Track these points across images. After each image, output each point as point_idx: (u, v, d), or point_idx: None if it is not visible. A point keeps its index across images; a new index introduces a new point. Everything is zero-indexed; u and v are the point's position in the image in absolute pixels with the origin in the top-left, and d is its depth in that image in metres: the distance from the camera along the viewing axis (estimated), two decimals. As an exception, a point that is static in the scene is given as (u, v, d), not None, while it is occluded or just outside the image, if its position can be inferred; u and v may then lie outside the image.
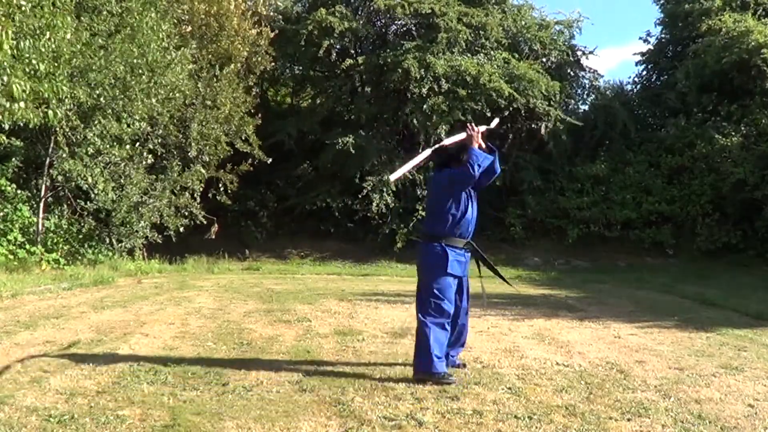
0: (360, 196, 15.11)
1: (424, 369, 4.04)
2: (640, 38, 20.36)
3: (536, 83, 16.02)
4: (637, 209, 15.72)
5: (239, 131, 13.83)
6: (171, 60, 11.47)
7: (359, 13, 17.16)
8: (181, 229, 12.50)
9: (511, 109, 15.77)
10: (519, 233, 16.08)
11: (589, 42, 51.62)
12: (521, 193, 16.50)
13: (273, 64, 15.61)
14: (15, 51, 6.46)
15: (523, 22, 18.11)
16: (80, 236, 11.48)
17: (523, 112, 16.16)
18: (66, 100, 9.10)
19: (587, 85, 19.72)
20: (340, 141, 14.94)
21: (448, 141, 4.53)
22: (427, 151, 4.57)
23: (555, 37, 18.25)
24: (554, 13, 26.31)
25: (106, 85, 10.34)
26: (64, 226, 11.36)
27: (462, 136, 4.40)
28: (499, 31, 16.73)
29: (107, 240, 11.73)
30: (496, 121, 5.08)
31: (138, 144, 12.01)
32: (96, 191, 11.06)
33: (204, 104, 13.15)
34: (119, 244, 11.76)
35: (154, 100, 11.29)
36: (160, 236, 12.18)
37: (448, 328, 4.17)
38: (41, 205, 10.98)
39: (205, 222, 13.23)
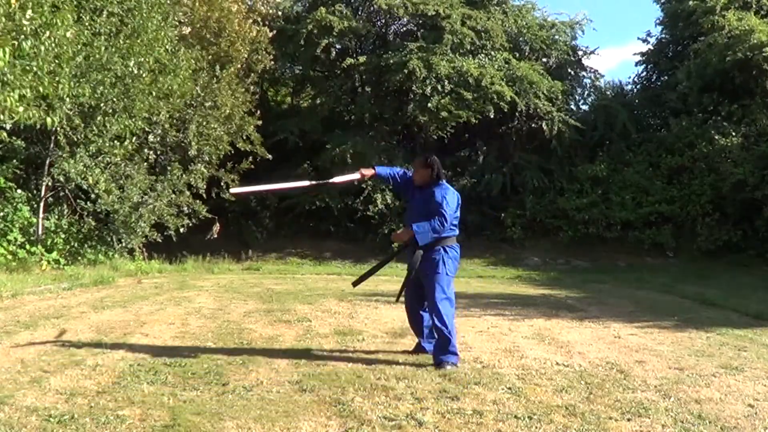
0: (362, 197, 15.12)
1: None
2: (640, 38, 20.37)
3: (537, 84, 16.03)
4: (637, 209, 15.72)
5: (240, 130, 13.84)
6: (173, 62, 11.48)
7: (359, 12, 17.16)
8: (182, 229, 12.51)
9: (512, 109, 15.79)
10: (518, 233, 16.09)
11: (590, 42, 51.74)
12: (521, 193, 16.51)
13: (273, 63, 15.62)
14: (16, 52, 6.46)
15: (524, 22, 18.11)
16: (80, 236, 11.49)
17: (523, 112, 16.17)
18: (67, 99, 9.11)
19: (588, 85, 19.76)
20: (337, 149, 14.99)
21: (338, 179, 4.94)
22: (306, 183, 5.03)
23: (557, 37, 18.26)
24: (556, 13, 26.36)
25: (107, 85, 10.35)
26: (64, 226, 11.36)
27: (355, 176, 4.80)
28: (502, 36, 16.74)
29: (107, 240, 11.73)
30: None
31: (138, 144, 12.01)
32: (97, 190, 11.07)
33: (204, 104, 13.15)
34: (119, 244, 11.76)
35: (155, 101, 11.30)
36: (160, 236, 12.18)
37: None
38: (41, 205, 10.99)
39: (210, 216, 13.22)
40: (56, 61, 7.91)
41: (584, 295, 9.64)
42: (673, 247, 15.45)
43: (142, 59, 10.57)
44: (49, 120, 7.30)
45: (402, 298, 4.97)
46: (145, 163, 12.20)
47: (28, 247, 10.39)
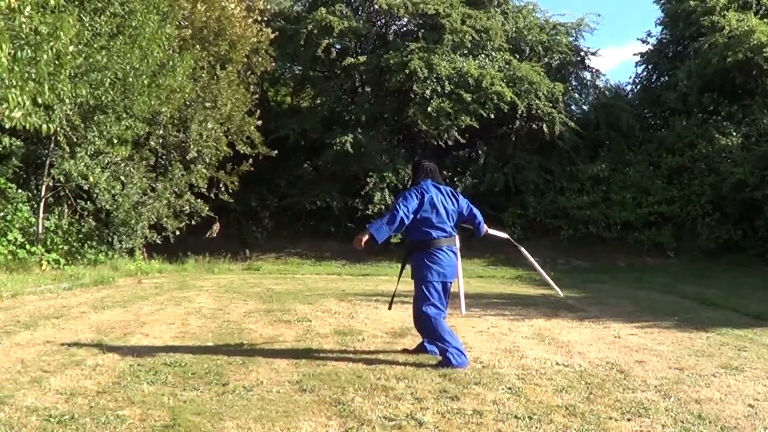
0: (362, 194, 15.12)
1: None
2: (640, 39, 20.40)
3: (537, 84, 16.03)
4: (637, 209, 15.72)
5: (240, 131, 13.83)
6: (173, 63, 11.48)
7: (359, 12, 17.16)
8: (177, 232, 12.50)
9: (513, 111, 15.78)
10: (518, 233, 16.07)
11: (590, 42, 51.73)
12: (522, 193, 16.51)
13: (273, 65, 15.62)
14: (11, 62, 6.44)
15: (525, 24, 18.11)
16: (80, 236, 11.48)
17: (524, 113, 16.17)
18: (67, 100, 9.10)
19: (589, 85, 19.77)
20: (338, 140, 14.95)
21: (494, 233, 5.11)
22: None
23: (558, 39, 18.27)
24: (559, 15, 26.37)
25: (107, 85, 10.35)
26: (64, 226, 11.36)
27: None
28: (502, 36, 16.74)
29: (107, 240, 11.73)
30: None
31: (138, 144, 12.01)
32: (98, 190, 11.07)
33: (204, 104, 13.15)
34: (119, 245, 11.76)
35: (154, 101, 11.29)
36: (159, 237, 12.19)
37: None
38: (41, 205, 10.98)
39: (212, 214, 13.21)
40: (56, 62, 7.91)
41: (584, 295, 9.64)
42: (673, 247, 15.45)
43: (142, 59, 10.56)
44: (45, 127, 7.30)
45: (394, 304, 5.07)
46: (144, 162, 12.18)
47: (28, 247, 10.38)
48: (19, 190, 11.08)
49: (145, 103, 11.03)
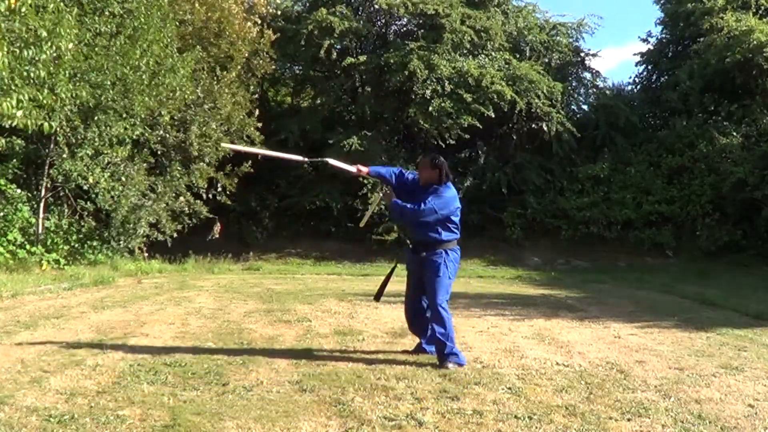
0: (362, 194, 15.12)
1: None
2: (640, 39, 20.41)
3: (537, 83, 16.03)
4: (638, 209, 15.72)
5: (240, 132, 13.83)
6: (173, 63, 11.48)
7: (359, 12, 17.15)
8: (175, 234, 12.50)
9: (512, 109, 15.77)
10: (518, 233, 16.09)
11: (589, 42, 51.67)
12: (522, 193, 16.51)
13: (273, 66, 15.62)
14: (13, 61, 6.44)
15: (525, 24, 18.11)
16: (80, 236, 11.48)
17: (523, 112, 16.17)
18: (67, 100, 9.10)
19: (589, 85, 19.78)
20: (345, 142, 14.96)
21: (334, 162, 5.04)
22: (301, 158, 5.39)
23: (558, 39, 18.27)
24: (559, 15, 26.35)
25: (107, 86, 10.35)
26: (64, 226, 11.35)
27: (351, 168, 4.90)
28: (502, 35, 16.73)
29: (107, 240, 11.73)
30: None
31: (138, 144, 12.00)
32: (98, 190, 11.06)
33: (204, 105, 13.14)
34: (119, 245, 11.76)
35: (154, 101, 11.29)
36: (161, 235, 12.19)
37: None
38: (41, 205, 10.98)
39: (210, 216, 13.20)
40: (56, 62, 7.91)
41: (584, 295, 9.64)
42: (673, 247, 15.45)
43: (142, 59, 10.56)
44: (46, 125, 7.30)
45: (383, 298, 5.08)
46: (145, 164, 12.18)
47: (28, 247, 10.37)
48: (19, 190, 11.07)
49: (145, 103, 11.02)
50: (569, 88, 18.32)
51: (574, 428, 3.30)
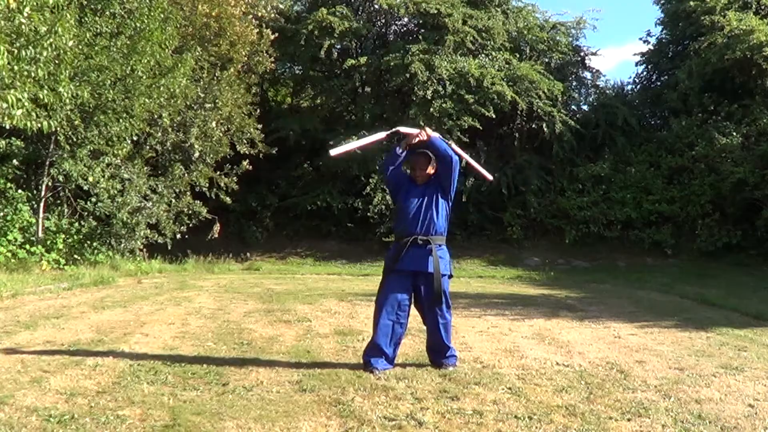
0: (363, 194, 15.12)
1: (365, 357, 4.41)
2: (640, 38, 20.43)
3: (537, 83, 16.03)
4: (637, 209, 15.73)
5: (241, 132, 13.82)
6: (173, 63, 11.47)
7: (360, 12, 17.15)
8: (178, 236, 12.50)
9: (513, 110, 15.77)
10: (518, 233, 16.09)
11: (589, 42, 51.67)
12: (523, 193, 16.51)
13: (273, 66, 15.61)
14: (13, 60, 6.43)
15: (525, 24, 18.10)
16: (80, 236, 11.48)
17: (524, 112, 16.16)
18: (67, 100, 9.10)
19: (589, 85, 19.77)
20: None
21: (403, 129, 4.75)
22: (382, 134, 4.86)
23: (558, 38, 18.26)
24: (559, 14, 26.31)
25: (108, 85, 10.34)
26: (64, 227, 11.36)
27: (414, 131, 4.58)
28: (503, 35, 16.72)
29: (107, 240, 11.73)
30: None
31: (138, 144, 11.99)
32: (97, 190, 11.06)
33: (204, 105, 13.14)
34: (119, 245, 11.76)
35: (155, 101, 11.29)
36: (162, 237, 12.19)
37: (390, 321, 4.37)
38: (41, 205, 10.98)
39: (210, 216, 13.21)
40: (56, 62, 7.91)
41: (584, 295, 9.65)
42: (673, 246, 15.45)
43: (143, 60, 10.56)
44: (46, 124, 7.29)
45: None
46: (147, 167, 12.18)
47: (28, 247, 10.38)
48: (19, 191, 11.07)
49: (146, 105, 11.02)
50: (569, 87, 18.31)
51: (574, 428, 3.30)
